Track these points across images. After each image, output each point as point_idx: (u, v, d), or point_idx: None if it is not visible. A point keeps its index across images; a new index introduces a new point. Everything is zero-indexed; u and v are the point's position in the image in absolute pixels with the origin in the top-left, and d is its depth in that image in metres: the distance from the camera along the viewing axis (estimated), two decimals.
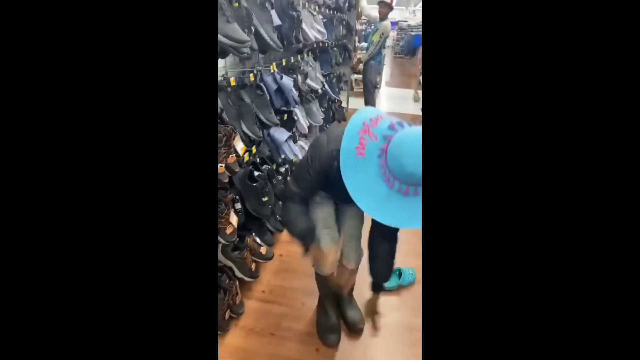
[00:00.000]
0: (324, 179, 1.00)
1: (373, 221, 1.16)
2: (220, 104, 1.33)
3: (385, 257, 1.23)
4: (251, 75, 1.57)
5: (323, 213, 1.20)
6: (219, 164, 1.06)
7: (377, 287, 1.26)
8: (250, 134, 1.45)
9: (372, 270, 1.24)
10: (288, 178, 1.39)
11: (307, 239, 1.09)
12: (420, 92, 5.75)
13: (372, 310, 1.28)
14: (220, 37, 1.01)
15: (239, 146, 1.18)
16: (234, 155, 1.14)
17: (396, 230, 1.16)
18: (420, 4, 13.67)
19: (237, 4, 1.19)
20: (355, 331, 1.41)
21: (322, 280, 1.33)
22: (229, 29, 1.03)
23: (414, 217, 0.77)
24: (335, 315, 1.40)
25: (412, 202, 0.77)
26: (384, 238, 1.19)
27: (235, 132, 1.17)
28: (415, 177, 0.75)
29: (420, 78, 6.20)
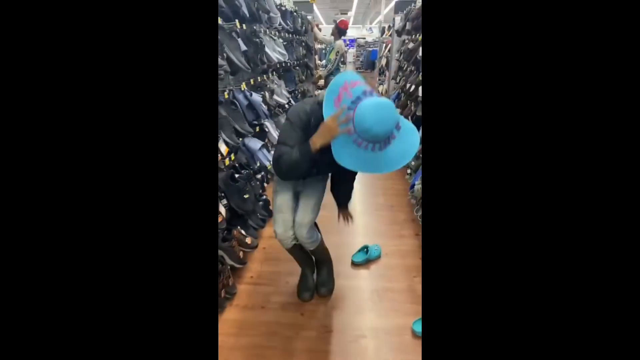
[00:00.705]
0: (306, 135, 1.20)
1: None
2: None
3: (344, 186, 1.62)
4: (225, 93, 1.85)
5: (280, 200, 1.48)
6: None
7: (343, 208, 1.67)
8: (229, 141, 1.72)
9: (337, 199, 1.66)
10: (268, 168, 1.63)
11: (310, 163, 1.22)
12: None
13: (346, 214, 1.68)
14: None
15: (222, 147, 1.46)
16: (219, 155, 1.41)
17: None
18: (375, 22, 14.52)
19: None
20: (323, 296, 1.69)
21: (298, 252, 1.62)
22: None
23: (377, 167, 1.11)
24: (312, 279, 1.68)
25: (376, 156, 1.09)
26: (344, 173, 1.31)
27: (218, 137, 1.44)
28: (377, 137, 1.05)
29: (379, 88, 6.68)
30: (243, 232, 1.84)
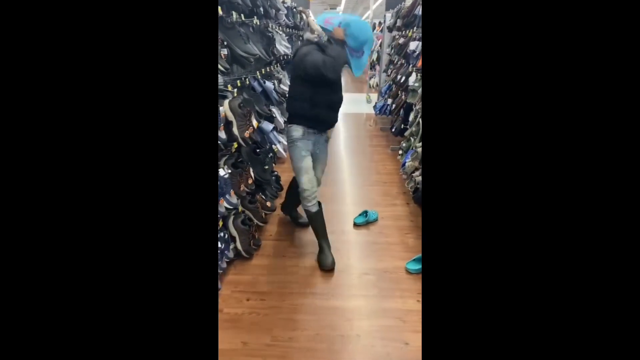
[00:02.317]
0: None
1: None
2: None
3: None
4: (247, 80, 2.18)
5: (306, 163, 1.83)
6: (246, 131, 1.66)
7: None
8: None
9: None
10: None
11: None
12: (370, 95, 6.58)
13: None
14: (240, 52, 1.61)
15: (254, 122, 1.79)
16: (251, 127, 1.73)
17: None
18: (364, 17, 14.79)
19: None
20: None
21: (321, 219, 1.93)
22: (245, 47, 1.63)
23: (358, 67, 1.78)
24: (329, 252, 1.90)
25: (359, 59, 1.75)
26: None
27: (250, 112, 1.77)
28: (360, 45, 1.71)
29: (370, 82, 7.05)
30: (264, 197, 2.18)
